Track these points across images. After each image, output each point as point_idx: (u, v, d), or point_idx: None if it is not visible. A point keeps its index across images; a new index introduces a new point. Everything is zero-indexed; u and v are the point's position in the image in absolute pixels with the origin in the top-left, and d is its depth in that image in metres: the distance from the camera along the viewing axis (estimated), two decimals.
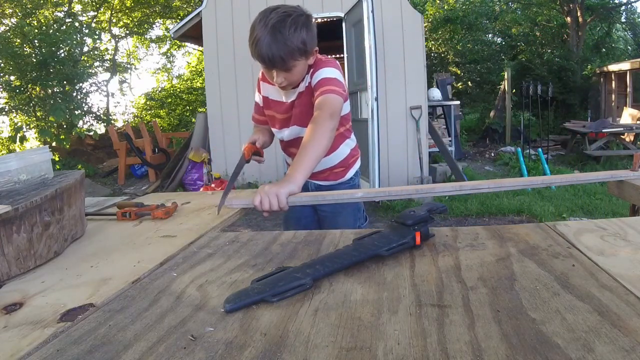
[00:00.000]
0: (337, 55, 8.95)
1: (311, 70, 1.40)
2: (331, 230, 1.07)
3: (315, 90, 1.37)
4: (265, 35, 1.24)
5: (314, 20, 1.36)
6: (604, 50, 13.90)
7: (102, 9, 13.72)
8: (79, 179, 1.14)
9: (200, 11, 6.05)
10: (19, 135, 8.54)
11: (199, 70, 14.92)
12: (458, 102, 8.55)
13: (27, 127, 9.63)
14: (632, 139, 7.49)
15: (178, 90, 15.29)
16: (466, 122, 11.24)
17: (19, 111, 9.76)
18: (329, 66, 1.39)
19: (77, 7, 12.83)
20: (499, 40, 15.57)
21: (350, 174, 1.62)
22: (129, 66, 15.23)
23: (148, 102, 15.18)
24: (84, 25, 10.38)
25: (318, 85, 1.36)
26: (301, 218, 1.68)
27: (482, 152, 8.66)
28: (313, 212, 1.68)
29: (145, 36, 15.87)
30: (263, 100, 1.59)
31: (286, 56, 1.27)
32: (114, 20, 14.32)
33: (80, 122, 9.62)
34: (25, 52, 8.89)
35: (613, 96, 10.06)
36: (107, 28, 14.01)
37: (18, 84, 9.03)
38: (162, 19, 15.16)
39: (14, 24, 9.80)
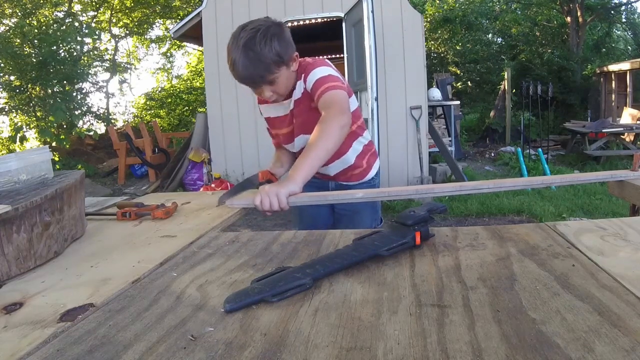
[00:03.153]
0: (337, 55, 8.96)
1: (302, 75, 1.38)
2: (331, 230, 1.08)
3: (313, 94, 1.35)
4: (239, 57, 1.25)
5: (285, 27, 1.33)
6: (604, 50, 13.90)
7: (102, 9, 13.72)
8: (79, 179, 1.14)
9: (200, 11, 6.05)
10: (19, 135, 8.52)
11: (199, 70, 14.90)
12: (458, 102, 8.55)
13: (27, 127, 9.62)
14: (632, 139, 7.49)
15: (178, 90, 15.28)
16: (466, 122, 11.23)
17: (19, 111, 9.76)
18: (318, 66, 1.38)
19: (77, 7, 12.84)
20: (498, 40, 15.56)
21: (372, 174, 1.61)
22: (129, 66, 15.24)
23: (148, 102, 15.18)
24: (84, 25, 10.38)
25: (315, 88, 1.34)
26: (317, 218, 1.66)
27: (482, 152, 8.66)
28: (330, 213, 1.66)
29: (145, 36, 15.87)
30: (267, 121, 1.60)
31: (264, 72, 1.28)
32: (114, 20, 14.31)
33: (80, 122, 9.63)
34: (25, 52, 8.88)
35: (613, 96, 10.06)
36: (107, 28, 14.01)
37: (18, 84, 9.03)
38: (162, 19, 15.15)
39: (14, 24, 9.80)
